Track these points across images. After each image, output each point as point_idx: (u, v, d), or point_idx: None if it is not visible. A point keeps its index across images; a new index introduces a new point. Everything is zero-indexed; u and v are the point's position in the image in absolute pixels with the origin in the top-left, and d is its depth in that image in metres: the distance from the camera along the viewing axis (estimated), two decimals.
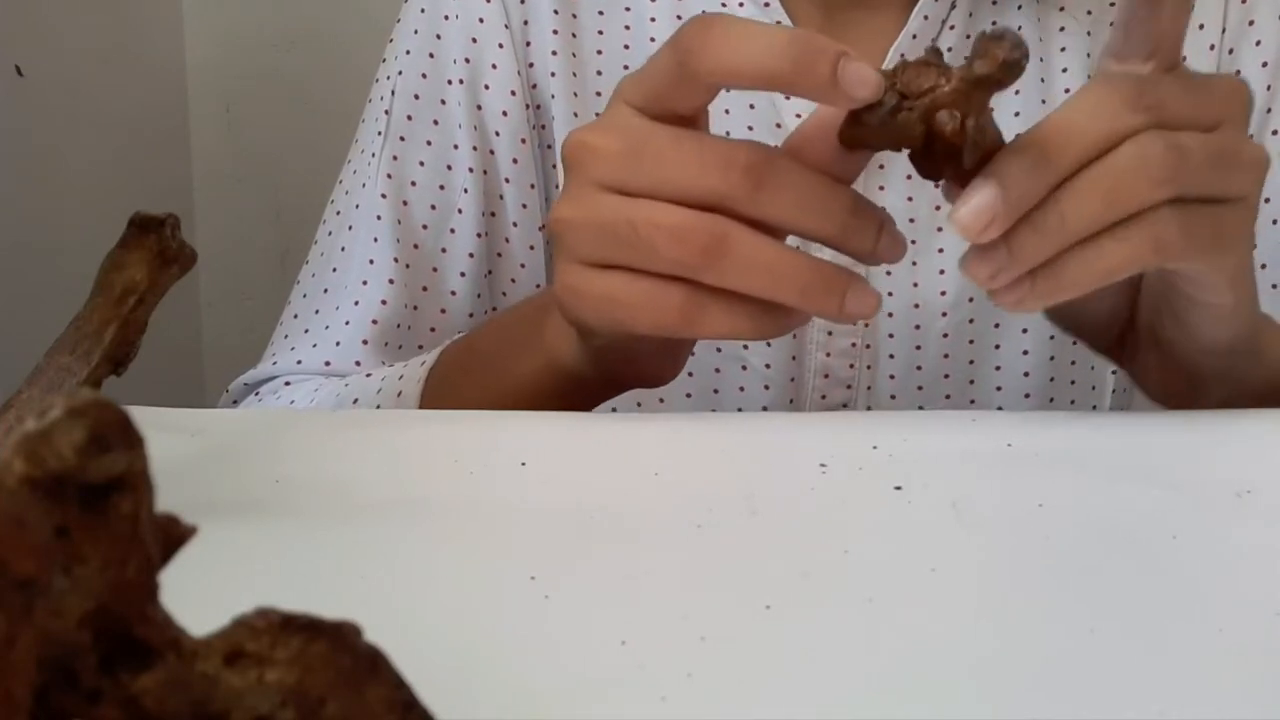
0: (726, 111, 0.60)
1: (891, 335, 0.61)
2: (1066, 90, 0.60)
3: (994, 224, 0.36)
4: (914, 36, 0.59)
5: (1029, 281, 0.37)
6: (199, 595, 0.18)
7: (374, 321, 0.61)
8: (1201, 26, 0.60)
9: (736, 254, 0.38)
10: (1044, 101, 0.60)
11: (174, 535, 0.15)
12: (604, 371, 0.46)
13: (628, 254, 0.40)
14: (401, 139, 0.63)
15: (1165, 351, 0.45)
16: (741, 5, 0.61)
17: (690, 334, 0.41)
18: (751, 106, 0.61)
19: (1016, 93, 0.61)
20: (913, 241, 0.60)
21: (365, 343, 0.61)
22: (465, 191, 0.62)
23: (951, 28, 0.60)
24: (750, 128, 0.60)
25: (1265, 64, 0.60)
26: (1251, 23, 0.60)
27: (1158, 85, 0.38)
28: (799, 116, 0.60)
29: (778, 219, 0.39)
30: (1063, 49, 0.61)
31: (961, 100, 0.36)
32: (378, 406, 0.54)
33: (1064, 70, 0.61)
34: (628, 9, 0.63)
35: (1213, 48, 0.60)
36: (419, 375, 0.53)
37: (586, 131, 0.41)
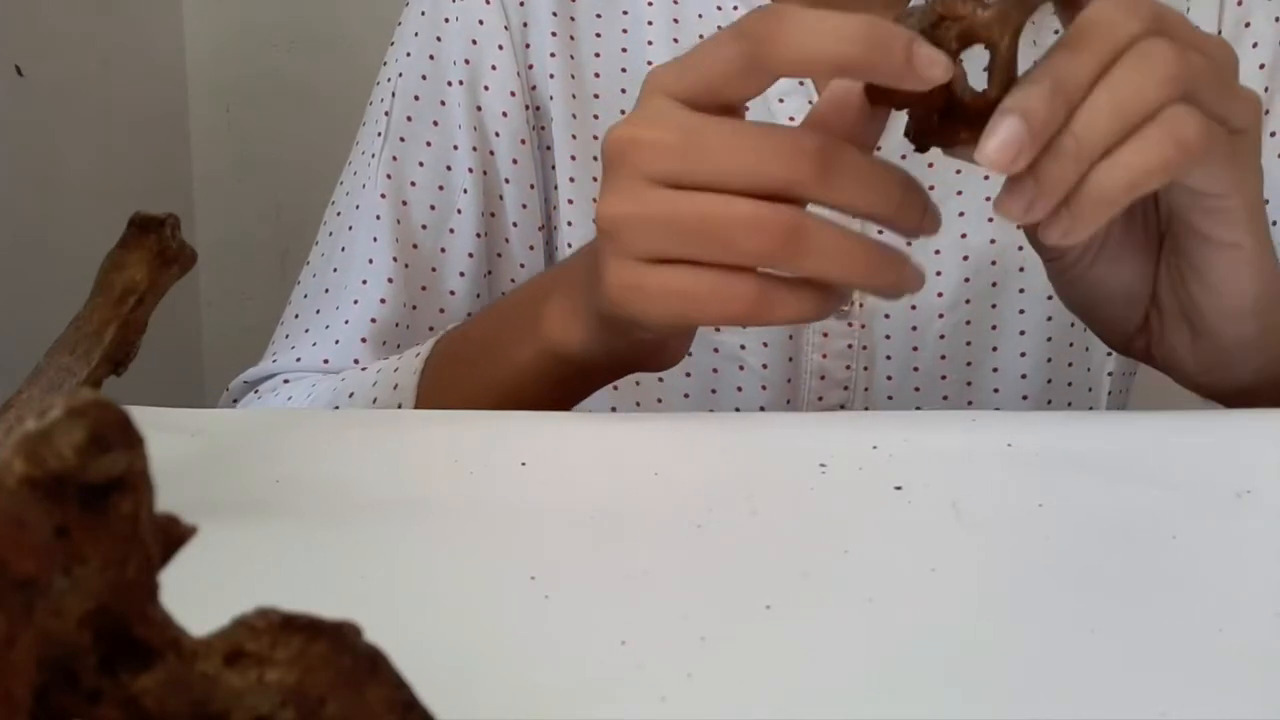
0: None
1: (888, 336, 0.61)
2: None
3: (1021, 153, 0.36)
4: None
5: (1065, 210, 0.37)
6: (199, 595, 0.18)
7: (373, 320, 0.61)
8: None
9: (814, 242, 0.38)
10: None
11: (174, 535, 0.15)
12: (612, 359, 0.46)
13: (697, 248, 0.39)
14: (401, 140, 0.63)
15: (1194, 324, 0.45)
16: (736, 8, 0.61)
17: (757, 323, 0.40)
18: (746, 108, 0.61)
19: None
20: (909, 243, 0.61)
21: (364, 341, 0.61)
22: (465, 192, 0.63)
23: None
24: None
25: (1262, 66, 0.60)
26: (1248, 25, 0.60)
27: (1153, 2, 0.38)
28: (792, 119, 0.60)
29: (843, 202, 0.39)
30: (1056, 32, 0.61)
31: (998, 21, 0.36)
32: (374, 400, 0.54)
33: None
34: (625, 12, 0.63)
35: None
36: (414, 367, 0.53)
37: (632, 126, 0.40)
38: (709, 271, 0.39)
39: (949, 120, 0.38)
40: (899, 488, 0.34)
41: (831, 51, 0.37)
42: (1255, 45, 0.60)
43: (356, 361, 0.60)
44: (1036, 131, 0.36)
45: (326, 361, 0.61)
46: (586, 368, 0.46)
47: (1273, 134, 0.60)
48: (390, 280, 0.61)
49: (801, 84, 0.60)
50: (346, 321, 0.61)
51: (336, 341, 0.61)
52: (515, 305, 0.51)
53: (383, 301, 0.61)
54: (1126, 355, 0.49)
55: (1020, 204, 0.37)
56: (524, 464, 0.36)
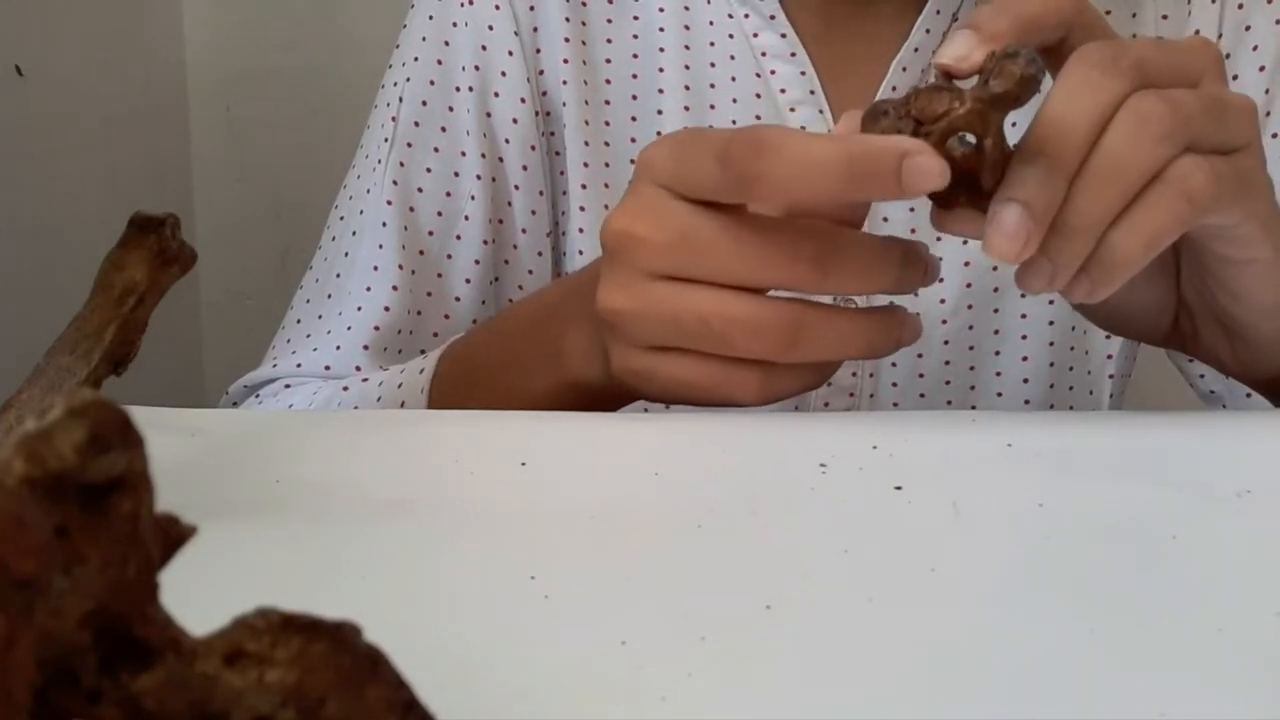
0: (734, 122, 0.61)
1: None
2: None
3: (1029, 243, 0.36)
4: (915, 50, 0.59)
5: (1085, 276, 0.38)
6: (199, 595, 0.18)
7: (376, 327, 0.61)
8: (1197, 32, 0.60)
9: (811, 337, 0.40)
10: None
11: (174, 535, 0.15)
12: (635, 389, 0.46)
13: (698, 343, 0.40)
14: (409, 145, 0.63)
15: (1226, 325, 0.45)
16: (747, 16, 0.61)
17: (761, 403, 0.42)
18: (757, 117, 0.61)
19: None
20: None
21: (366, 348, 0.61)
22: (472, 199, 0.62)
23: None
24: None
25: (1263, 68, 0.60)
26: (1248, 28, 0.60)
27: (1131, 49, 0.38)
28: (803, 128, 0.60)
29: (843, 292, 0.42)
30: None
31: (978, 121, 0.36)
32: None
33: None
34: (636, 18, 0.63)
35: None
36: (420, 385, 0.53)
37: (625, 218, 0.41)
38: (713, 361, 0.41)
39: (947, 189, 0.37)
40: (899, 488, 0.34)
41: (816, 189, 0.37)
42: (1255, 48, 0.60)
43: (359, 369, 0.60)
44: (1039, 218, 0.36)
45: (328, 368, 0.61)
46: (605, 394, 0.47)
47: (1275, 135, 0.60)
48: (395, 287, 0.61)
49: (813, 93, 0.60)
50: (349, 328, 0.61)
51: (338, 348, 0.61)
52: (529, 325, 0.51)
53: (387, 309, 0.61)
54: (1174, 350, 0.50)
55: (1040, 282, 0.38)
56: (524, 464, 0.36)
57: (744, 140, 0.38)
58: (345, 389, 0.57)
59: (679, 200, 0.40)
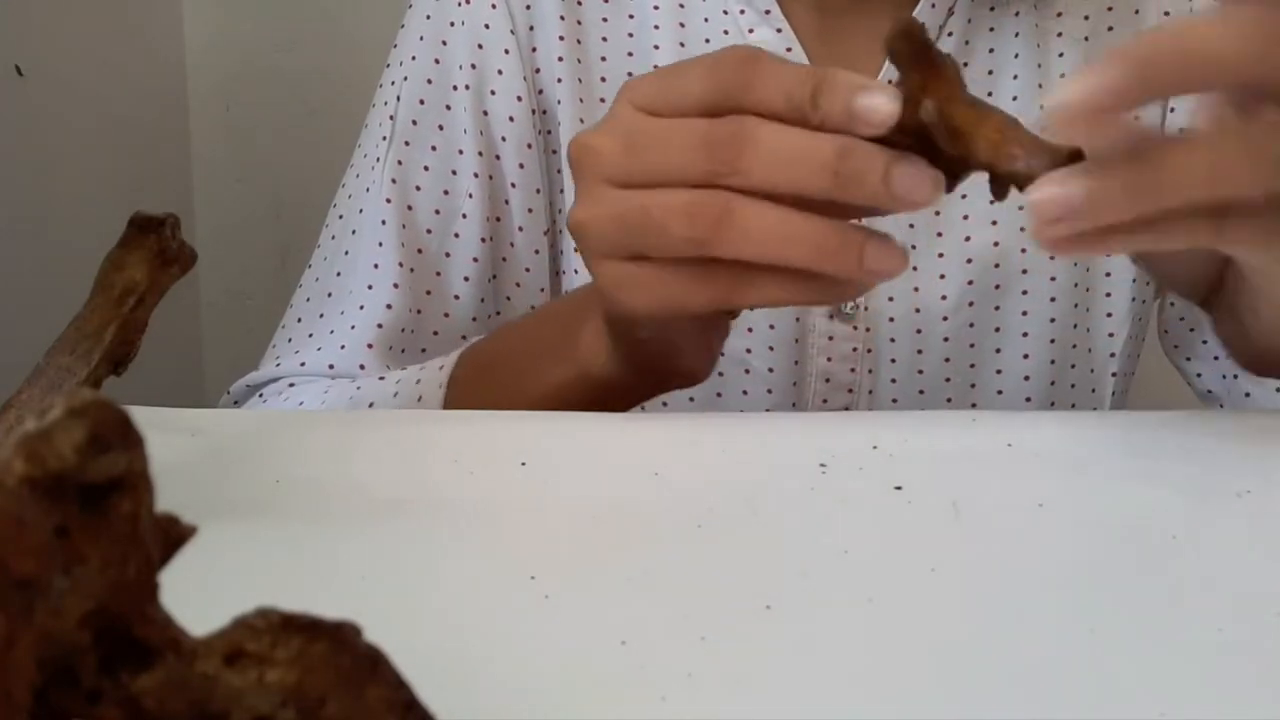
0: None
1: (893, 339, 0.61)
2: None
3: (1064, 222, 0.34)
4: None
5: (1094, 236, 0.35)
6: (199, 595, 0.18)
7: (379, 325, 0.61)
8: None
9: (743, 223, 0.38)
10: (1042, 108, 0.60)
11: (174, 535, 0.15)
12: (639, 373, 0.46)
13: (647, 241, 0.40)
14: (406, 144, 0.63)
15: (1241, 331, 0.46)
16: (743, 12, 0.61)
17: (746, 303, 0.41)
18: None
19: (1014, 99, 0.61)
20: (913, 246, 0.61)
21: (370, 346, 0.61)
22: (470, 196, 0.62)
23: (949, 34, 0.60)
24: None
25: None
26: None
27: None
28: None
29: (766, 180, 0.38)
30: (1060, 54, 0.61)
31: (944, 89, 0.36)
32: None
33: (1061, 76, 0.61)
34: (631, 16, 0.63)
35: None
36: (439, 380, 0.53)
37: (587, 134, 0.42)
38: (683, 265, 0.40)
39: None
40: (899, 488, 0.34)
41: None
42: None
43: (363, 367, 0.60)
44: (1092, 211, 0.34)
45: (332, 366, 0.61)
46: (615, 387, 0.47)
47: None
48: (396, 285, 0.61)
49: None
50: (353, 326, 0.61)
51: (343, 347, 0.61)
52: (549, 321, 0.52)
53: (389, 306, 0.61)
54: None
55: (1055, 210, 0.34)
56: (524, 464, 0.36)
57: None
58: (358, 388, 0.57)
59: (640, 113, 0.41)
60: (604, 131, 0.42)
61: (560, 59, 0.62)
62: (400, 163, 0.62)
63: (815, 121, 0.38)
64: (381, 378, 0.57)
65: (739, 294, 0.40)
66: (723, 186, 0.39)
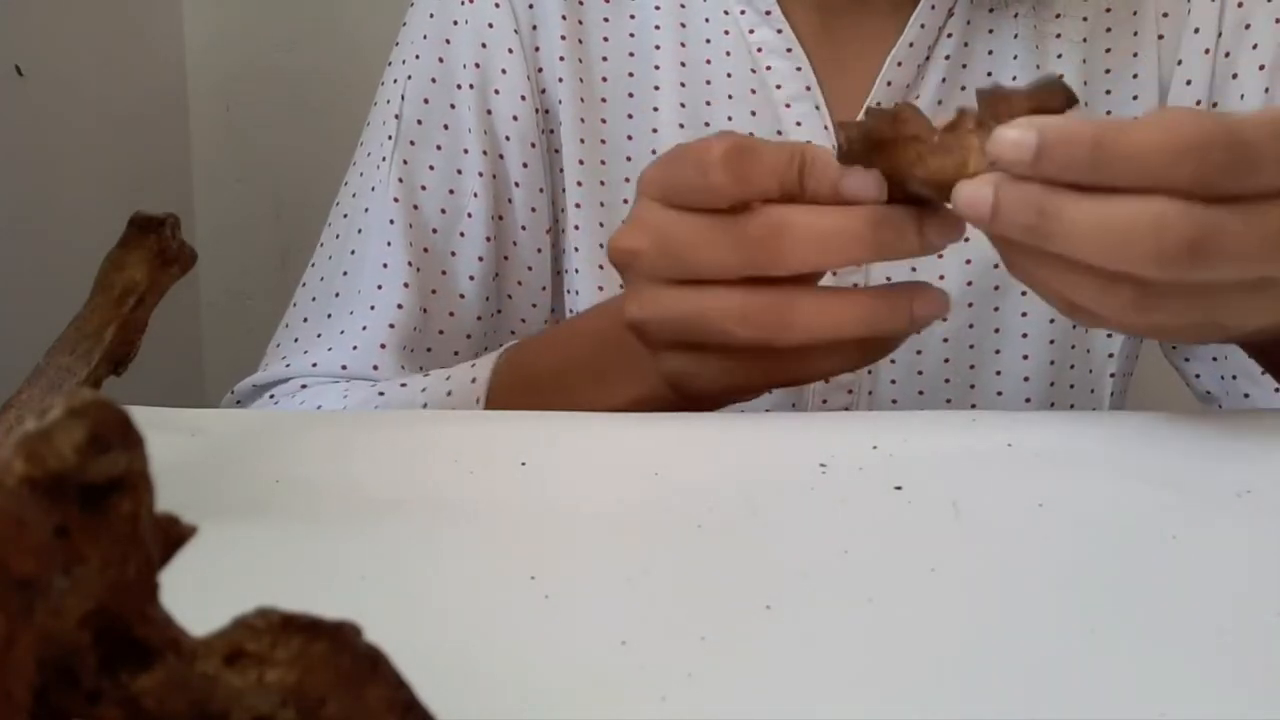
0: (730, 119, 0.61)
1: None
2: None
3: (988, 213, 0.35)
4: (910, 45, 0.59)
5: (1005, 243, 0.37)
6: (199, 595, 0.18)
7: (391, 325, 0.61)
8: (1197, 30, 0.60)
9: (803, 320, 0.40)
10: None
11: (174, 535, 0.15)
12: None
13: (708, 340, 0.42)
14: (411, 143, 0.63)
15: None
16: (744, 13, 0.61)
17: (807, 381, 0.44)
18: (753, 114, 0.61)
19: None
20: None
21: (383, 347, 0.60)
22: (474, 195, 0.62)
23: (949, 36, 0.60)
24: (751, 134, 0.60)
25: (1262, 67, 0.60)
26: (1248, 26, 0.60)
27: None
28: (799, 125, 0.60)
29: (807, 265, 0.40)
30: (1059, 56, 0.61)
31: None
32: None
33: (1060, 77, 0.61)
34: (632, 16, 0.63)
35: (1208, 51, 0.60)
36: (474, 394, 0.52)
37: (620, 236, 0.43)
38: (733, 353, 0.42)
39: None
40: (899, 488, 0.34)
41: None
42: (1255, 46, 0.60)
43: (375, 367, 0.60)
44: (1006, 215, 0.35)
45: (345, 367, 0.60)
46: (686, 399, 0.46)
47: None
48: (405, 284, 0.61)
49: (808, 89, 0.60)
50: (364, 327, 0.61)
51: (354, 347, 0.61)
52: (595, 338, 0.50)
53: (399, 306, 0.61)
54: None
55: (979, 209, 0.35)
56: (524, 464, 0.36)
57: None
58: (381, 394, 0.57)
59: (665, 209, 0.42)
60: (634, 232, 0.43)
61: (562, 58, 0.62)
62: (406, 162, 0.62)
63: (808, 200, 0.40)
64: (403, 384, 0.56)
65: (800, 373, 0.43)
66: (766, 279, 0.40)
